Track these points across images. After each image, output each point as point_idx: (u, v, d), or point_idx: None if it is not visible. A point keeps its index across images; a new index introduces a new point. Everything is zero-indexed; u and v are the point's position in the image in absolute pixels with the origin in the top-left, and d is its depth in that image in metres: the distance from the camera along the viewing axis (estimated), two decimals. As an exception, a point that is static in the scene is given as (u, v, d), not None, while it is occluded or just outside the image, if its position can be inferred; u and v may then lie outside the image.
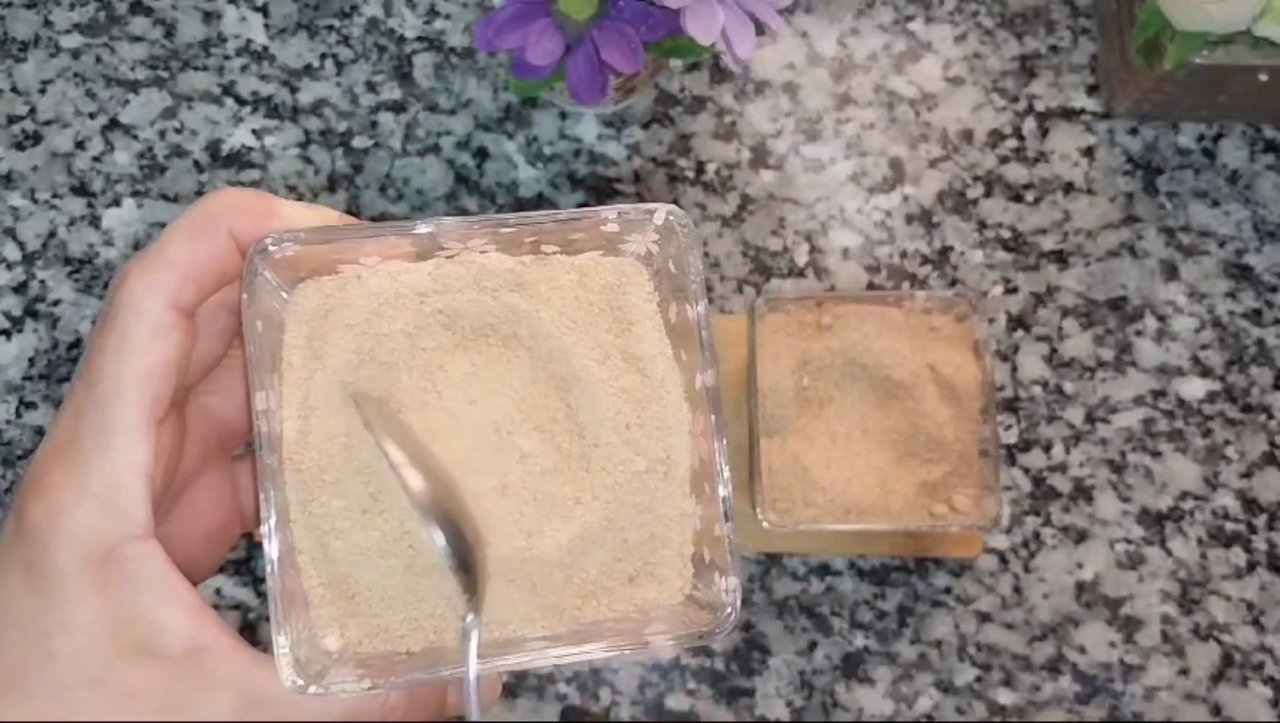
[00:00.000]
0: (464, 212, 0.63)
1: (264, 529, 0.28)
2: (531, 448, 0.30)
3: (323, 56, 0.66)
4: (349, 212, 0.63)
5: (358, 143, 0.64)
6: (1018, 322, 0.63)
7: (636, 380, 0.31)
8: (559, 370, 0.31)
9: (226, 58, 0.65)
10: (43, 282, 0.63)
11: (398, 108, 0.65)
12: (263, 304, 0.29)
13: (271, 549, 0.28)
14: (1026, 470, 0.61)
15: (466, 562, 0.28)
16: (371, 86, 0.65)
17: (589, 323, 0.31)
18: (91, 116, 0.65)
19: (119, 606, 0.26)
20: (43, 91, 0.65)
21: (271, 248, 0.29)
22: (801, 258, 0.63)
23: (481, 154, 0.64)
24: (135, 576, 0.27)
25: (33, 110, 0.65)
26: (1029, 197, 0.64)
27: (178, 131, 0.65)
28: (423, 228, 0.30)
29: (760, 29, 0.53)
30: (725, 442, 0.30)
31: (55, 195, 0.64)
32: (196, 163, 0.64)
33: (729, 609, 0.30)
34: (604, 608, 0.30)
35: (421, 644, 0.29)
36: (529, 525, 0.30)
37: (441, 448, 0.30)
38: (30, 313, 0.62)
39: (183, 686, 0.26)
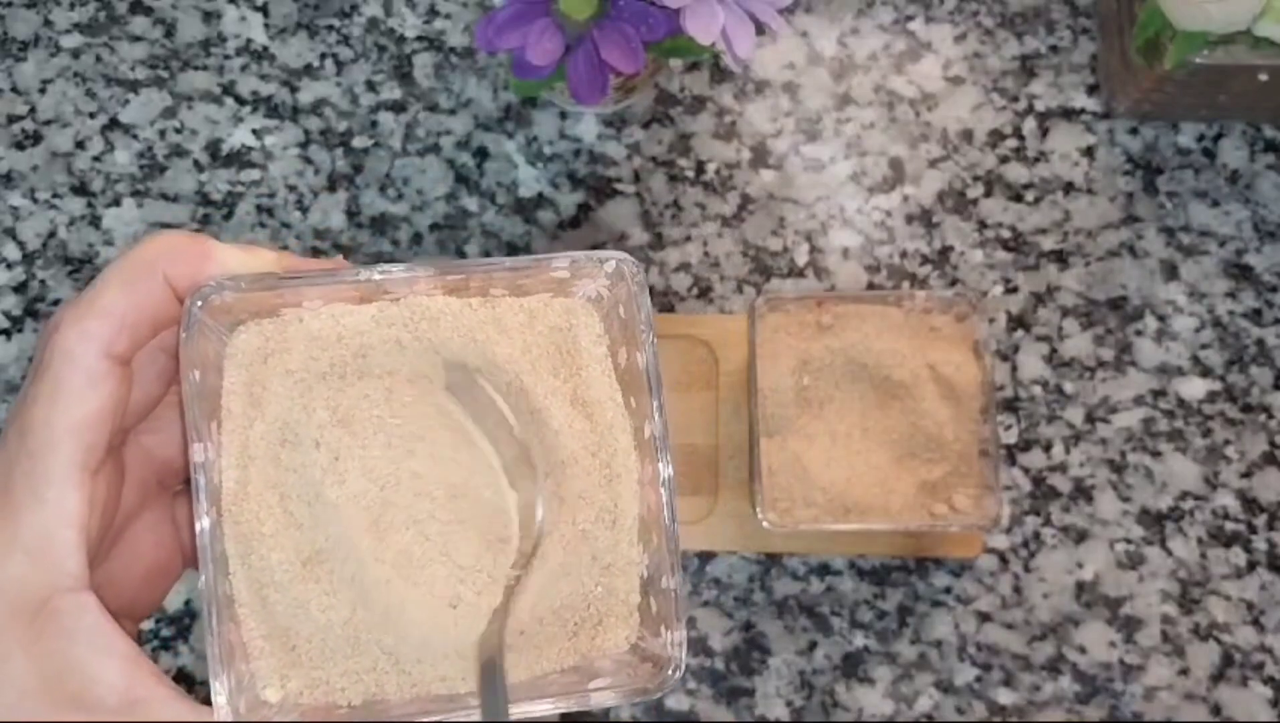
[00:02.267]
0: (465, 212, 0.64)
1: (201, 582, 0.28)
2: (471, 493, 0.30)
3: (323, 56, 0.66)
4: (349, 212, 0.63)
5: (358, 142, 0.64)
6: (1018, 321, 0.63)
7: (585, 426, 0.31)
8: (513, 408, 0.30)
9: (226, 57, 0.65)
10: (43, 281, 0.63)
11: (398, 107, 0.65)
12: (201, 349, 0.28)
13: (209, 603, 0.28)
14: (1026, 470, 0.61)
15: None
16: (371, 86, 0.65)
17: (538, 364, 0.31)
18: (91, 116, 0.65)
19: (51, 658, 0.26)
20: (43, 91, 0.65)
21: (210, 296, 0.28)
22: (801, 258, 0.63)
23: (481, 154, 0.64)
24: (68, 628, 0.26)
25: (33, 110, 0.65)
26: (1029, 196, 0.64)
27: (178, 131, 0.65)
28: (366, 275, 0.29)
29: (760, 29, 0.53)
30: (674, 492, 0.30)
31: (55, 195, 0.64)
32: (196, 162, 0.64)
33: (674, 664, 0.29)
34: (549, 659, 0.30)
35: (362, 697, 0.29)
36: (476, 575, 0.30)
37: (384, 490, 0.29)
38: (30, 313, 0.62)
39: None
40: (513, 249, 0.63)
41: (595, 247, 0.63)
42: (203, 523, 0.28)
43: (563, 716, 0.57)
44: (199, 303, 0.28)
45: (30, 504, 0.26)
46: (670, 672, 0.29)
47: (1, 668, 0.26)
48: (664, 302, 0.63)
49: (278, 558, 0.28)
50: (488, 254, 0.63)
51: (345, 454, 0.29)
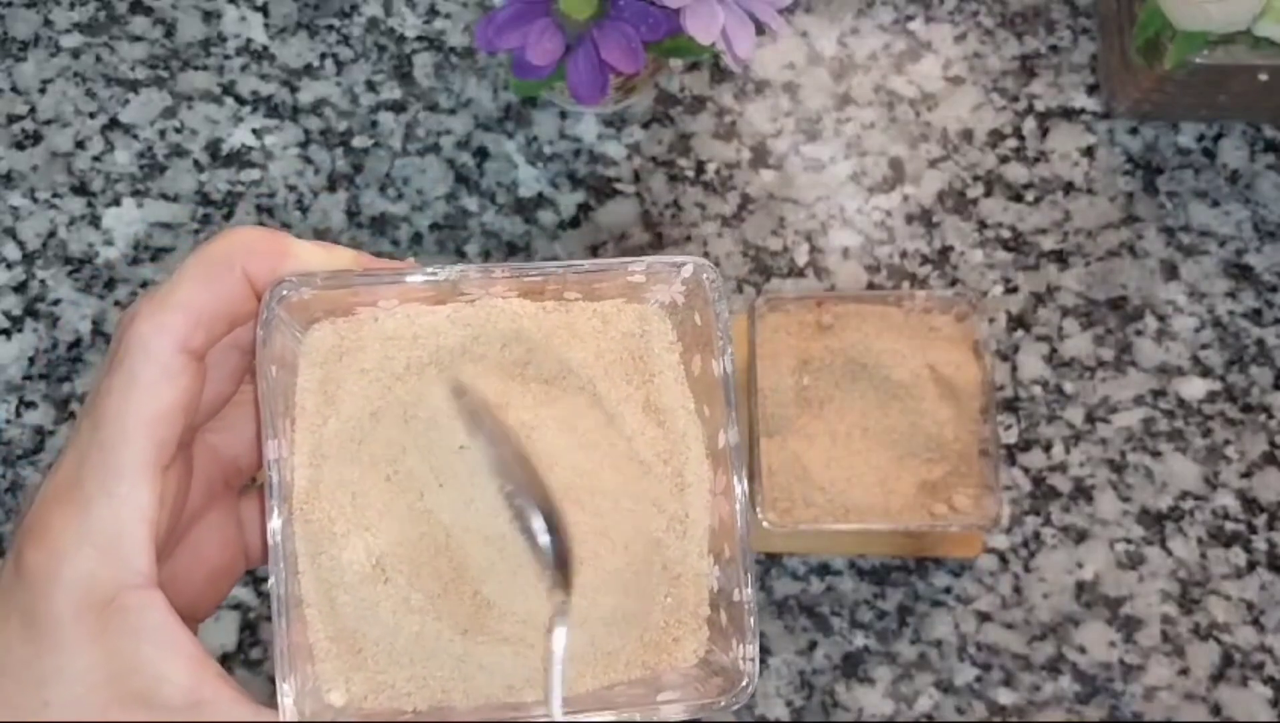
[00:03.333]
0: (465, 211, 0.64)
1: (270, 582, 0.27)
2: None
3: (323, 56, 0.66)
4: (349, 212, 0.63)
5: (358, 142, 0.64)
6: (1018, 321, 0.63)
7: (657, 433, 0.30)
8: (583, 415, 0.30)
9: (226, 57, 0.65)
10: (43, 281, 0.63)
11: (398, 107, 0.65)
12: (277, 346, 0.28)
13: (278, 602, 0.27)
14: (1026, 470, 0.61)
15: (561, 557, 0.27)
16: (371, 86, 0.65)
17: (611, 370, 0.30)
18: (91, 116, 0.65)
19: (118, 655, 0.26)
20: (43, 91, 0.65)
21: (288, 293, 0.28)
22: (801, 258, 0.63)
23: (481, 153, 0.64)
24: (135, 625, 0.26)
25: (33, 110, 0.65)
26: (1029, 196, 0.64)
27: (178, 131, 0.65)
28: (444, 274, 0.29)
29: (760, 29, 0.53)
30: (748, 504, 0.29)
31: (55, 195, 0.64)
32: (196, 162, 0.64)
33: (746, 679, 0.28)
34: (617, 670, 0.29)
35: (427, 703, 0.28)
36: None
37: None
38: (30, 312, 0.62)
39: None
40: (513, 249, 0.63)
41: (595, 247, 0.63)
42: (274, 521, 0.27)
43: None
44: (277, 300, 0.28)
45: (101, 498, 0.26)
46: (743, 685, 0.28)
47: (69, 663, 0.26)
48: (664, 302, 0.63)
49: (348, 558, 0.28)
50: (487, 254, 0.63)
51: (426, 446, 0.29)
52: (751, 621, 0.29)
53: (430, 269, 0.29)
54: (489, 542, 0.28)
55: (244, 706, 0.27)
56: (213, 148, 0.64)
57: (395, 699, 0.28)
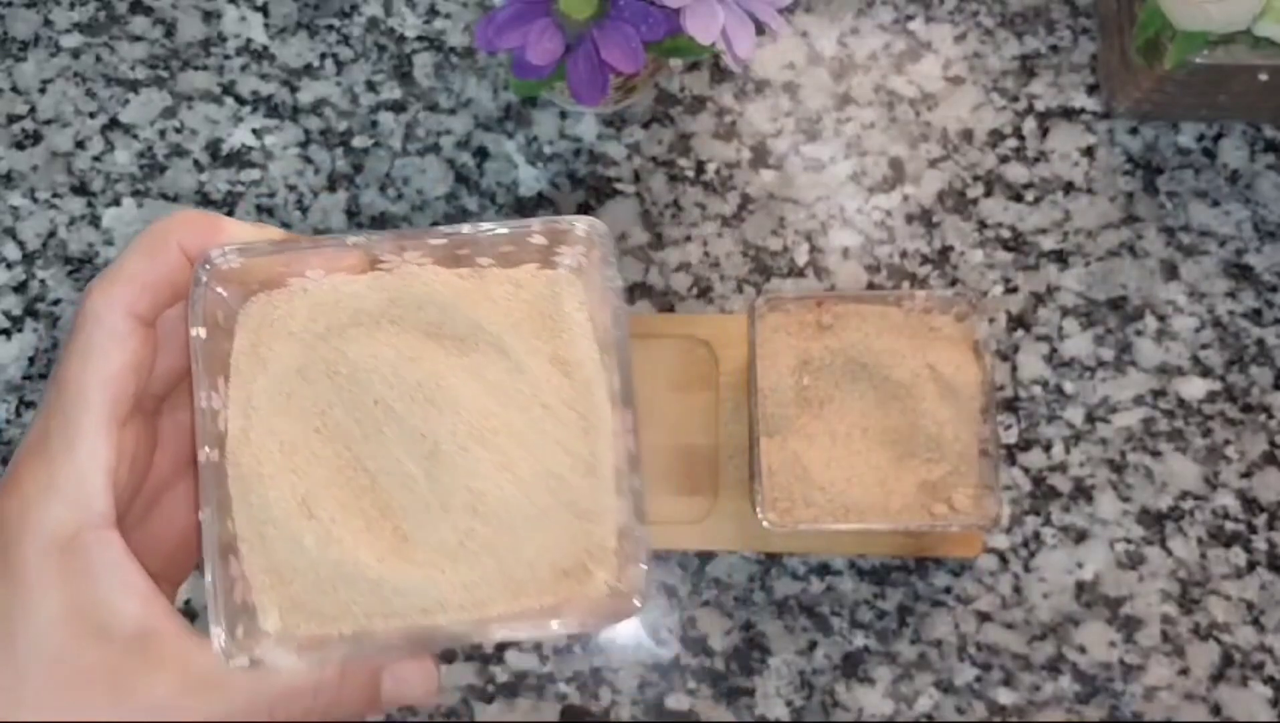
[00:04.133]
0: (464, 212, 0.64)
1: (201, 517, 0.30)
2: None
3: (323, 56, 0.66)
4: (349, 212, 0.63)
5: (358, 142, 0.64)
6: (1018, 321, 0.63)
7: (564, 382, 0.33)
8: (492, 365, 0.33)
9: (226, 57, 0.66)
10: (43, 281, 0.63)
11: (398, 107, 0.65)
12: (215, 316, 0.31)
13: (208, 537, 0.30)
14: (1026, 470, 0.61)
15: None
16: (371, 86, 0.65)
17: (521, 328, 0.33)
18: (91, 116, 0.65)
19: (76, 591, 0.29)
20: (43, 91, 0.65)
21: (216, 259, 0.31)
22: (801, 258, 0.63)
23: (481, 154, 0.64)
24: (93, 562, 0.29)
25: (33, 109, 0.65)
26: (1029, 196, 0.64)
27: (178, 131, 0.65)
28: (353, 239, 0.32)
29: (760, 28, 0.53)
30: (637, 439, 0.32)
31: (55, 195, 0.64)
32: (196, 162, 0.64)
33: (637, 597, 0.31)
34: (529, 596, 0.32)
35: (352, 628, 0.31)
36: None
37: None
38: (30, 312, 0.62)
39: (132, 665, 0.29)
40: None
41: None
42: (204, 460, 0.31)
43: (565, 712, 0.57)
44: (206, 266, 0.31)
45: (64, 451, 0.29)
46: (634, 602, 0.31)
47: (37, 598, 0.29)
48: (664, 301, 0.63)
49: (274, 496, 0.31)
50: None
51: (352, 404, 0.32)
52: (644, 548, 0.32)
53: (342, 236, 0.32)
54: (406, 483, 0.31)
55: (190, 638, 0.30)
56: (213, 148, 0.64)
57: (324, 625, 0.31)
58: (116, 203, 0.64)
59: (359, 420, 0.32)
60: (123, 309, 0.30)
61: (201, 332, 0.31)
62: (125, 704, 0.29)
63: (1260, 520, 0.60)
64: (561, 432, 0.32)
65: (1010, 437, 0.61)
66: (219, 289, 0.32)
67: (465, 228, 0.32)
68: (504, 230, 0.33)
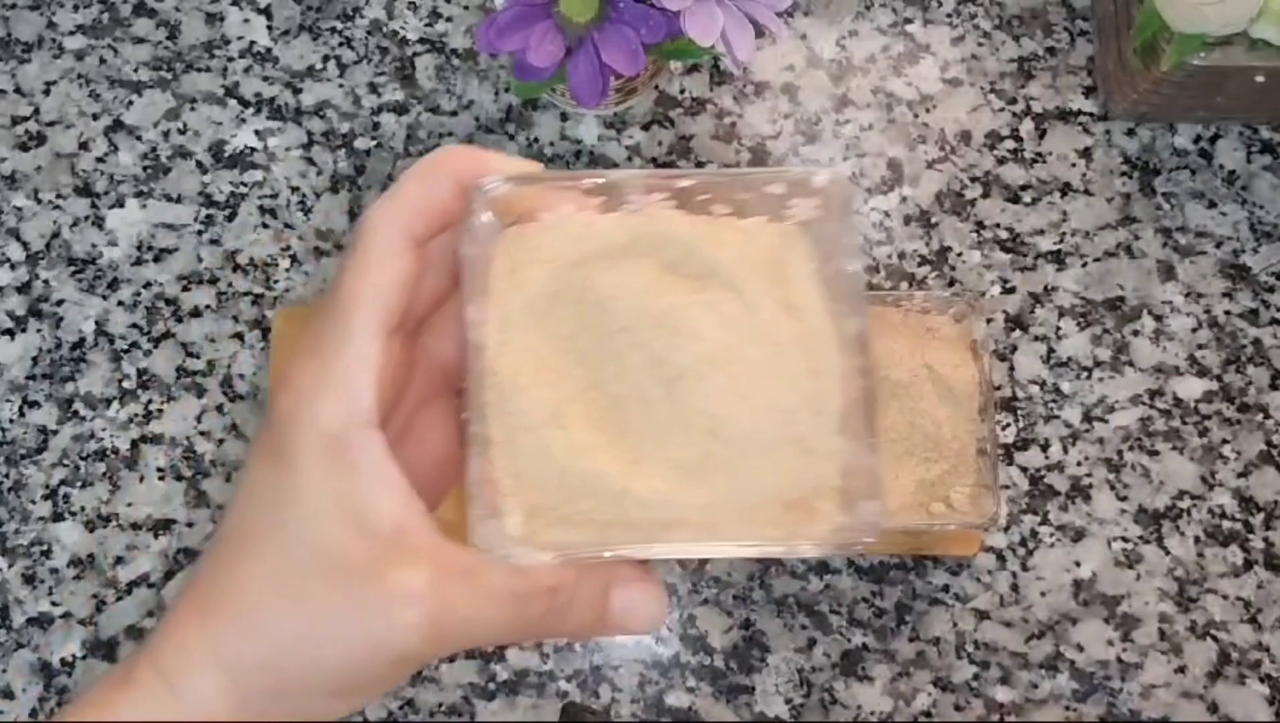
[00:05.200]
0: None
1: (465, 417, 0.33)
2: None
3: (325, 58, 0.66)
4: (351, 214, 0.64)
5: (360, 144, 0.65)
6: (1015, 321, 0.63)
7: (792, 324, 0.34)
8: (727, 303, 0.34)
9: (230, 59, 0.66)
10: (46, 282, 0.63)
11: (400, 109, 0.65)
12: (478, 238, 0.34)
13: (473, 438, 0.32)
14: (1024, 469, 0.61)
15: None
16: (374, 88, 0.66)
17: (751, 272, 0.35)
18: (95, 118, 0.65)
19: (341, 483, 0.31)
20: (46, 92, 0.65)
21: (486, 187, 0.34)
22: (801, 258, 0.64)
23: (483, 155, 0.65)
24: (357, 459, 0.31)
25: (37, 111, 0.65)
26: (1026, 197, 0.65)
27: (181, 133, 0.65)
28: (607, 177, 0.35)
29: (759, 31, 0.54)
30: (871, 384, 0.34)
31: (59, 196, 0.64)
32: (199, 164, 0.65)
33: (873, 529, 0.33)
34: (758, 524, 0.34)
35: (593, 537, 0.33)
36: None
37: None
38: (34, 313, 0.63)
39: (390, 558, 0.31)
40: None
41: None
42: (473, 368, 0.33)
43: (566, 710, 0.58)
44: (478, 192, 0.34)
45: (336, 350, 0.32)
46: (867, 537, 0.32)
47: (306, 487, 0.31)
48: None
49: (529, 406, 0.33)
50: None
51: (606, 320, 0.34)
52: (876, 482, 0.33)
53: (597, 173, 0.35)
54: (646, 407, 0.33)
55: (443, 538, 0.31)
56: (216, 149, 0.65)
57: (564, 532, 0.33)
58: (120, 204, 0.64)
59: (602, 345, 0.34)
60: (399, 228, 0.33)
61: (473, 252, 0.33)
62: (385, 594, 0.30)
63: (1257, 520, 0.61)
64: (791, 370, 0.34)
65: (1008, 436, 0.61)
66: (485, 216, 0.34)
67: (709, 173, 0.34)
68: (746, 177, 0.35)
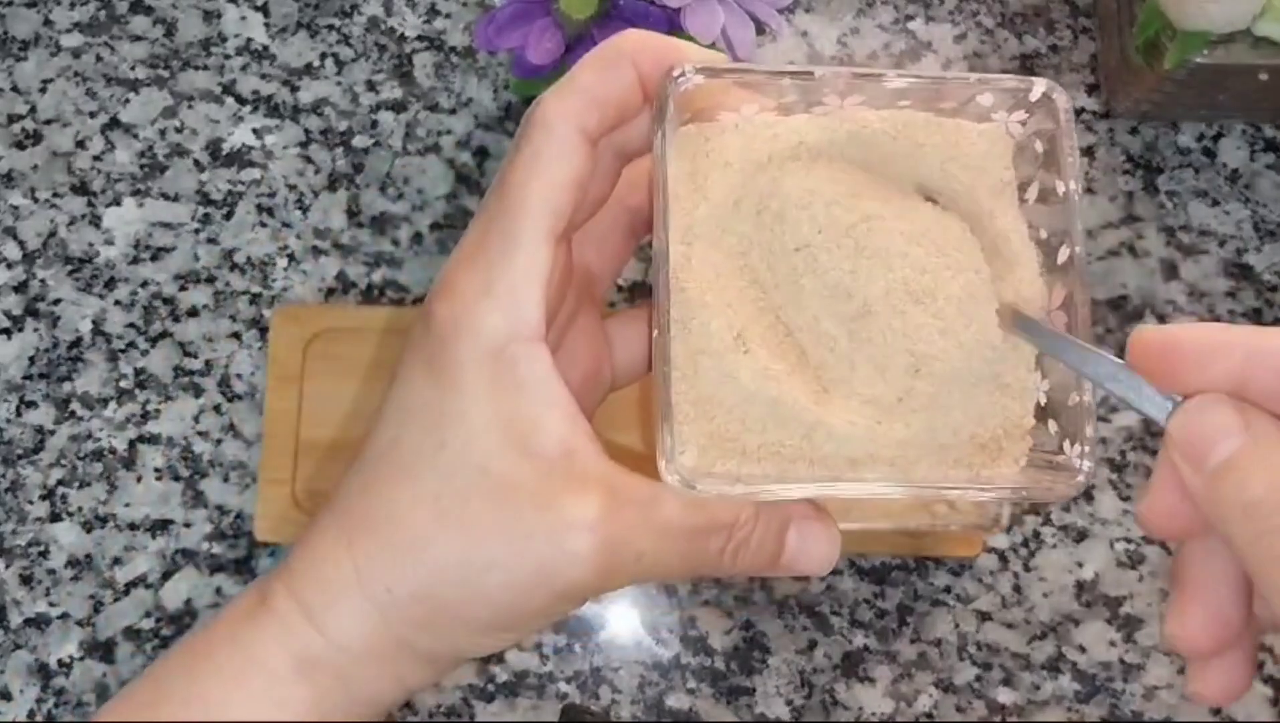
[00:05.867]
0: (466, 211, 0.64)
1: (654, 335, 0.30)
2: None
3: (323, 56, 0.66)
4: (349, 212, 0.63)
5: (358, 142, 0.64)
6: (1018, 321, 0.63)
7: (993, 250, 0.32)
8: (926, 218, 0.31)
9: (227, 57, 0.66)
10: (43, 281, 0.63)
11: (398, 107, 0.65)
12: (670, 138, 0.31)
13: (663, 358, 0.29)
14: (1026, 470, 0.61)
15: None
16: (372, 86, 0.65)
17: (950, 183, 0.32)
18: (92, 115, 0.65)
19: (505, 402, 0.28)
20: (43, 90, 0.65)
21: (678, 77, 0.30)
22: (802, 257, 0.63)
23: (482, 153, 0.64)
24: (522, 375, 0.28)
25: (33, 109, 0.65)
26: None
27: (178, 130, 0.65)
28: (803, 73, 0.31)
29: (760, 28, 0.54)
30: (1087, 311, 0.31)
31: (55, 194, 0.64)
32: (197, 162, 0.64)
33: (1081, 476, 0.30)
34: (948, 464, 0.31)
35: (774, 470, 0.30)
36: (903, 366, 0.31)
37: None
38: (30, 312, 0.62)
39: (556, 482, 0.28)
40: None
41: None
42: (657, 284, 0.30)
43: (565, 711, 0.57)
44: (672, 82, 0.30)
45: (502, 258, 0.29)
46: (1078, 480, 0.30)
47: (466, 407, 0.28)
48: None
49: (715, 326, 0.30)
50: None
51: (795, 241, 0.31)
52: (1089, 427, 0.30)
53: (795, 69, 0.31)
54: (823, 341, 0.30)
55: (609, 463, 0.29)
56: (213, 147, 0.64)
57: (743, 464, 0.30)
58: (117, 203, 0.64)
59: (773, 267, 0.31)
60: (574, 122, 0.30)
61: (669, 148, 0.30)
62: (556, 520, 0.28)
63: (1260, 520, 0.60)
64: (991, 299, 0.31)
65: (1010, 436, 0.61)
66: (671, 104, 0.30)
67: (917, 75, 0.31)
68: (957, 84, 0.32)
